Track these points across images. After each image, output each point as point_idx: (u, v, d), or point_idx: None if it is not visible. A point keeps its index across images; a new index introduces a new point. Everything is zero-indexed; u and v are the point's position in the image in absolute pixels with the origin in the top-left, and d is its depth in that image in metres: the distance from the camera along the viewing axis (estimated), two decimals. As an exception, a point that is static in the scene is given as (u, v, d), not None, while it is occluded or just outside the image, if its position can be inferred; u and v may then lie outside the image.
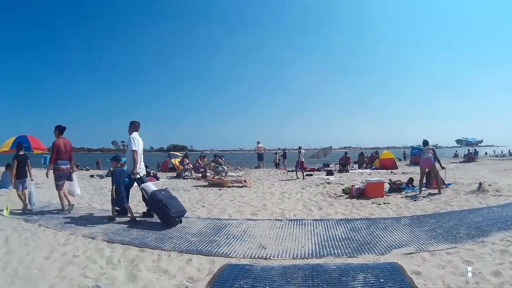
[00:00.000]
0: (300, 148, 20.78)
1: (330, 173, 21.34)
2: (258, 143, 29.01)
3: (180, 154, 27.90)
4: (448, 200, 9.95)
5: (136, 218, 8.13)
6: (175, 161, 26.16)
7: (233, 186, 15.26)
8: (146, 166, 21.56)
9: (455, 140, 41.01)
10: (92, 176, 23.05)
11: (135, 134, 8.61)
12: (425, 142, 12.20)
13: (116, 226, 7.55)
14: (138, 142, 8.49)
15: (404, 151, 53.49)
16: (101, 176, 22.49)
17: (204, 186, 15.87)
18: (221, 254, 5.56)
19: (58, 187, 9.04)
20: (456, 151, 52.90)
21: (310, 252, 5.55)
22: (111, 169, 8.84)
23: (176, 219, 7.65)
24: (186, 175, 21.66)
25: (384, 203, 9.94)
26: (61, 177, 9.04)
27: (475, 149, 41.36)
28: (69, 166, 9.20)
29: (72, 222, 8.01)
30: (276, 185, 15.59)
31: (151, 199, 7.89)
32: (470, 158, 35.42)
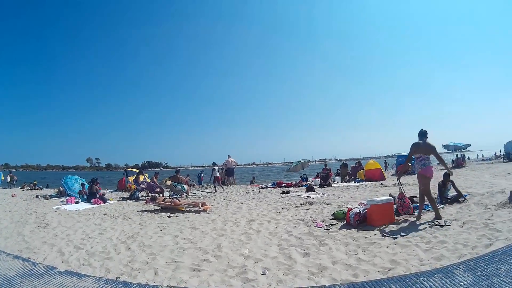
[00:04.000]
0: (214, 164, 22.39)
1: (310, 188, 17.95)
2: (229, 156, 26.81)
3: (136, 171, 24.30)
4: (487, 222, 6.97)
5: None
6: (131, 179, 22.67)
7: (189, 211, 11.94)
8: (91, 182, 18.51)
9: (442, 146, 38.78)
10: (37, 196, 19.94)
11: None
12: (424, 133, 8.22)
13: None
14: None
15: (385, 160, 51.27)
16: (45, 197, 19.26)
17: (153, 211, 12.60)
18: None
19: None
20: (441, 157, 50.62)
21: None
22: None
23: None
24: (142, 196, 18.36)
25: (401, 235, 6.68)
26: None
27: (463, 154, 39.21)
28: None
29: None
30: (243, 208, 12.16)
31: None
32: (459, 163, 32.96)
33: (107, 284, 5.01)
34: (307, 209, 10.93)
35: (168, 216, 11.03)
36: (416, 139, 8.29)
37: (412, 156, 8.40)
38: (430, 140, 8.24)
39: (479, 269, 4.49)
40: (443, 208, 8.93)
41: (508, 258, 4.75)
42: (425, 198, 8.19)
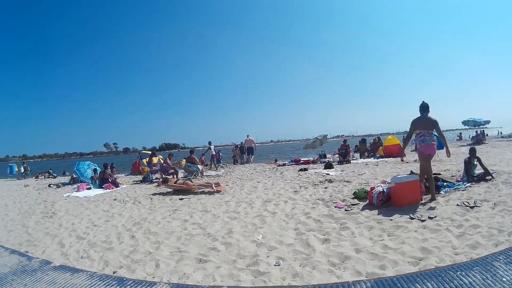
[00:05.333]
0: (209, 143, 24.01)
1: (329, 165, 17.24)
2: (247, 136, 26.85)
3: (149, 153, 23.80)
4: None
5: None
6: (144, 162, 22.11)
7: (202, 192, 11.38)
8: (103, 168, 18.04)
9: (462, 122, 37.69)
10: (50, 185, 19.42)
11: None
12: (425, 107, 7.71)
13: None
14: None
15: (403, 136, 50.12)
16: (57, 185, 18.80)
17: (165, 193, 12.06)
18: None
19: None
20: (460, 133, 49.26)
21: None
22: None
23: None
24: (157, 178, 17.67)
25: (429, 217, 6.02)
26: None
27: (482, 130, 37.81)
28: None
29: None
30: (259, 188, 11.56)
31: None
32: (479, 140, 31.24)
33: (101, 280, 4.51)
34: (326, 188, 10.32)
35: (179, 199, 10.51)
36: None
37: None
38: (432, 114, 7.71)
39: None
40: (470, 187, 8.25)
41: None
42: (430, 177, 7.70)
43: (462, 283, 3.50)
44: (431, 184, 7.60)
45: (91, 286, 4.29)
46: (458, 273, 3.74)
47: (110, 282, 4.41)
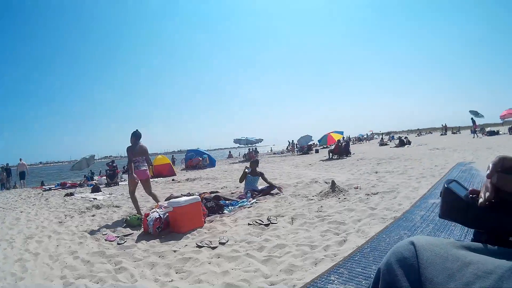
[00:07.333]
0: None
1: (96, 189, 16.65)
2: (20, 160, 26.85)
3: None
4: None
5: None
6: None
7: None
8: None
9: (233, 140, 39.68)
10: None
11: None
12: (139, 135, 8.65)
13: None
14: None
15: (173, 155, 51.72)
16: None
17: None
18: None
19: None
20: (229, 151, 51.69)
21: None
22: None
23: None
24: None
25: (221, 242, 5.54)
26: None
27: (255, 148, 40.50)
28: None
29: None
30: (22, 220, 9.76)
31: None
32: (251, 156, 33.39)
33: None
34: (93, 215, 9.30)
35: None
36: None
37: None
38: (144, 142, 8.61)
39: None
40: (256, 202, 8.34)
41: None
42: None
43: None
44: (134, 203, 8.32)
45: None
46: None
47: None
